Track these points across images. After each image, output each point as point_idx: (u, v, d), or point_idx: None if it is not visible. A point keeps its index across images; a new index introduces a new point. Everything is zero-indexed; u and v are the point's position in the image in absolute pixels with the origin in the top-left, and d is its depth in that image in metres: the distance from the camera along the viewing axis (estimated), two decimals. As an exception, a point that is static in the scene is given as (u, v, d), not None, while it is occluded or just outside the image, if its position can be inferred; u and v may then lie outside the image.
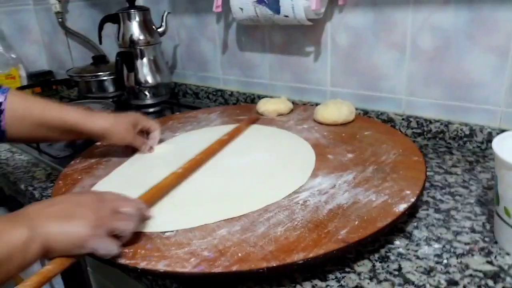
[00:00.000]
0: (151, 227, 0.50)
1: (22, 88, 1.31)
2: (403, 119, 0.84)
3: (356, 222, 0.48)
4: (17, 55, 1.42)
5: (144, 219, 0.49)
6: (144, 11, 1.09)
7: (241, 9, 0.90)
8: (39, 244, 0.39)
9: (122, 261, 0.44)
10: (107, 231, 0.43)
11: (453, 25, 0.74)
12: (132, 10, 1.07)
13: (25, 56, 1.49)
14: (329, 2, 0.86)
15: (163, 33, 1.12)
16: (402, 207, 0.50)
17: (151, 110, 1.14)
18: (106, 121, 0.68)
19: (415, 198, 0.52)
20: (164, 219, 0.52)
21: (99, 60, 1.27)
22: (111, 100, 1.17)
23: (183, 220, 0.51)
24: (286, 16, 0.84)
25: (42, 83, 1.43)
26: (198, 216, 0.52)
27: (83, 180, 0.65)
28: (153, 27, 1.11)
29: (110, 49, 1.30)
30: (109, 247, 0.43)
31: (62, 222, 0.42)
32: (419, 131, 0.82)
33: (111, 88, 1.24)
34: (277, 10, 0.84)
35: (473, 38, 0.72)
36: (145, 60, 1.10)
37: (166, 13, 1.11)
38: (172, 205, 0.56)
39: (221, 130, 0.78)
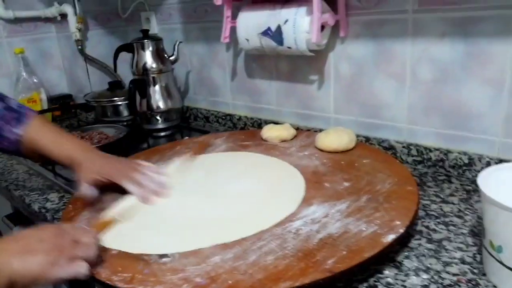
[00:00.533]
0: (149, 249, 0.54)
1: (42, 112, 1.38)
2: (403, 147, 0.86)
3: (344, 252, 0.50)
4: (39, 80, 1.49)
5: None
6: (157, 40, 1.15)
7: (247, 40, 0.94)
8: (4, 280, 0.44)
9: (120, 285, 0.47)
10: (69, 259, 0.48)
11: (450, 57, 0.76)
12: (146, 40, 1.13)
13: (47, 80, 1.56)
14: (331, 33, 0.89)
15: (175, 61, 1.18)
16: (391, 237, 0.52)
17: (162, 134, 1.19)
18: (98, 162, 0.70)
19: (404, 228, 0.54)
20: (161, 242, 0.56)
21: (115, 86, 1.33)
22: (125, 124, 1.22)
23: (179, 244, 0.54)
24: (289, 48, 0.87)
25: (62, 107, 1.50)
26: (194, 241, 0.55)
27: (92, 205, 0.69)
28: (166, 55, 1.17)
29: (126, 75, 1.37)
30: (74, 270, 0.48)
31: (24, 258, 0.46)
32: (419, 159, 0.84)
33: (125, 113, 1.29)
34: (280, 42, 0.88)
35: (469, 70, 0.74)
36: (157, 87, 1.16)
37: (178, 42, 1.17)
38: (169, 229, 0.59)
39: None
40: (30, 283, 0.45)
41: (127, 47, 1.15)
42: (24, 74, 1.45)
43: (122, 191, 0.68)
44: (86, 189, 0.68)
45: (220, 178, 0.75)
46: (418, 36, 0.79)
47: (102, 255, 0.53)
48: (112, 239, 0.57)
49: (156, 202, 0.67)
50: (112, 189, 0.70)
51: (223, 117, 1.24)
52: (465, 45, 0.73)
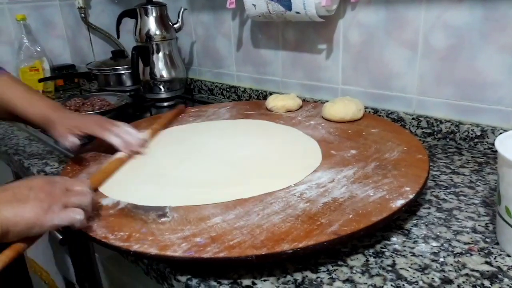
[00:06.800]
0: (150, 202, 0.53)
1: (43, 80, 1.35)
2: (413, 118, 0.83)
3: (351, 216, 0.47)
4: (42, 49, 1.46)
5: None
6: (161, 6, 1.11)
7: (254, 5, 0.91)
8: None
9: (116, 243, 0.45)
10: (63, 206, 0.45)
11: (466, 23, 0.72)
12: (149, 6, 1.09)
13: (50, 49, 1.53)
14: (342, -1, 0.86)
15: (179, 29, 1.14)
16: (400, 203, 0.50)
17: (165, 104, 1.16)
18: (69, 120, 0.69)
19: (414, 195, 0.51)
20: (163, 197, 0.55)
21: (118, 54, 1.30)
22: (128, 93, 1.19)
23: (180, 200, 0.54)
24: (298, 13, 0.84)
25: (64, 76, 1.47)
26: (195, 198, 0.54)
27: (90, 166, 0.67)
28: (170, 22, 1.13)
29: (130, 45, 1.33)
30: (70, 217, 0.45)
31: (16, 206, 0.43)
32: (429, 131, 0.81)
33: (128, 82, 1.26)
34: (288, 7, 0.84)
35: (487, 36, 0.71)
36: (160, 54, 1.12)
37: (182, 9, 1.13)
38: (174, 185, 0.59)
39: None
40: (23, 232, 0.43)
41: (130, 13, 1.11)
42: (27, 42, 1.43)
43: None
44: (73, 139, 0.66)
45: (229, 142, 0.73)
46: (433, 1, 0.75)
47: (97, 208, 0.52)
48: (112, 190, 0.57)
49: (141, 153, 0.68)
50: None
51: (228, 89, 1.21)
52: (483, 9, 0.70)
